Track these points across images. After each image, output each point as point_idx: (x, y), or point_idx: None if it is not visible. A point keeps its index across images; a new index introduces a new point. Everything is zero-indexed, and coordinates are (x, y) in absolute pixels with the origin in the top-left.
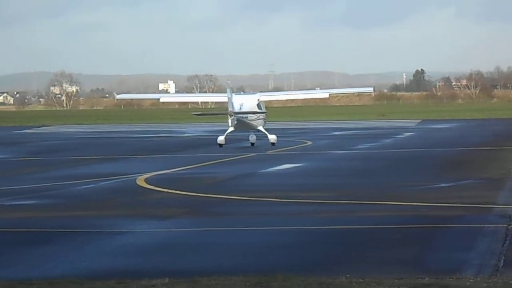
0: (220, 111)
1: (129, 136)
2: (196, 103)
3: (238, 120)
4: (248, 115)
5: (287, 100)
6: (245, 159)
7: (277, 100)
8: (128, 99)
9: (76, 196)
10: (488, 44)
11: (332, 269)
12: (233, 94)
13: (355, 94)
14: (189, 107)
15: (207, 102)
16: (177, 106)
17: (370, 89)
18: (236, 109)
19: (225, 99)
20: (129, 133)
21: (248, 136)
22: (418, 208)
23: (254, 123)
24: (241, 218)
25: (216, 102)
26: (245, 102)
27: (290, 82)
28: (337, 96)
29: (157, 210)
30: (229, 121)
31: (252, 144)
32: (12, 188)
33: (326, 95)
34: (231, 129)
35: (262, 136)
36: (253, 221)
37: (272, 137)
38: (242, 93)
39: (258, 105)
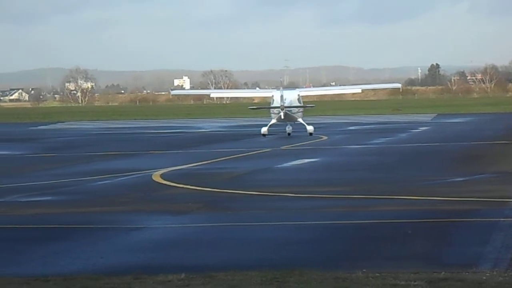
0: (269, 106)
1: (145, 131)
2: (212, 98)
3: (285, 113)
4: (292, 108)
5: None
6: (260, 154)
7: (315, 95)
8: (182, 94)
9: (92, 192)
10: (502, 38)
11: (348, 263)
12: (280, 90)
13: (382, 89)
14: (204, 102)
15: (223, 98)
16: (192, 102)
17: (398, 85)
18: (281, 104)
19: (269, 95)
20: (144, 128)
21: (285, 127)
22: (434, 203)
23: (296, 115)
24: (257, 213)
25: (231, 98)
26: (288, 97)
27: (305, 77)
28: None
29: (173, 205)
30: (272, 114)
31: (289, 134)
32: (28, 184)
33: (359, 90)
34: (273, 121)
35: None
36: (268, 216)
37: (310, 128)
38: (281, 89)
39: (298, 100)
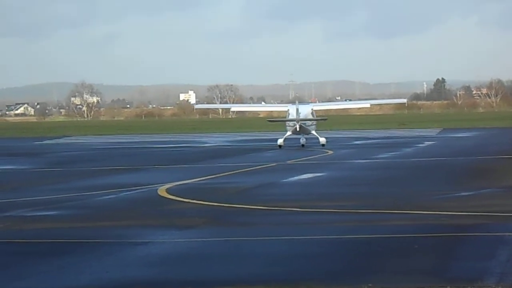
0: (286, 118)
1: (150, 146)
2: (217, 112)
3: (300, 125)
4: (307, 121)
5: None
6: (266, 168)
7: (326, 109)
8: (205, 108)
9: (98, 206)
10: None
11: (354, 278)
12: (296, 105)
13: (389, 104)
14: (210, 117)
15: (228, 112)
16: (197, 116)
17: (404, 100)
18: (296, 117)
19: (285, 109)
20: (150, 143)
21: (299, 140)
22: (439, 217)
23: (309, 128)
24: (263, 228)
25: (236, 113)
26: (303, 111)
27: (310, 91)
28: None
29: (178, 220)
30: (287, 127)
31: (303, 145)
32: (34, 199)
33: (368, 105)
34: (288, 133)
35: (310, 139)
36: (274, 230)
37: (322, 140)
38: (297, 103)
39: (312, 114)
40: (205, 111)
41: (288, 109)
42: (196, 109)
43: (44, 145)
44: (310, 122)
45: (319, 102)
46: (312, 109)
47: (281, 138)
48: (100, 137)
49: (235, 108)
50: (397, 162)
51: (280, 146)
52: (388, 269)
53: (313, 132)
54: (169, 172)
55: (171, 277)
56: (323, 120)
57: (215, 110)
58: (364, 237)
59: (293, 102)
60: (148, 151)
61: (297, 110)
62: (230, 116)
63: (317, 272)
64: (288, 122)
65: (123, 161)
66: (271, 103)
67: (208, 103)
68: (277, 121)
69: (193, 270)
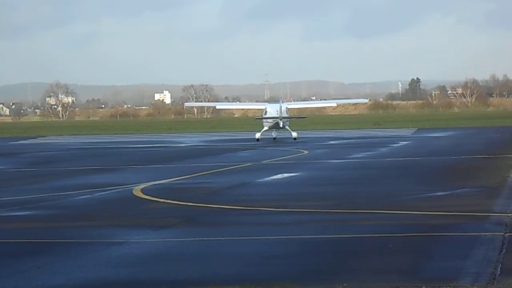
0: (269, 116)
1: (126, 146)
2: (192, 112)
3: (277, 122)
4: (284, 118)
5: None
6: (241, 168)
7: (298, 108)
8: (194, 106)
9: (73, 206)
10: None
11: (329, 278)
12: (278, 103)
13: (351, 104)
14: (185, 117)
15: (204, 112)
16: (172, 116)
17: (365, 100)
18: (276, 115)
19: (271, 108)
20: (125, 143)
21: (271, 133)
22: (415, 217)
23: (285, 124)
24: (237, 228)
25: (211, 112)
26: (280, 110)
27: (285, 91)
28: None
29: (153, 220)
30: (265, 123)
31: (274, 138)
32: (8, 199)
33: (335, 104)
34: (265, 128)
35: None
36: (249, 230)
37: (294, 134)
38: (280, 101)
39: (286, 111)
40: (180, 111)
41: (266, 108)
42: (186, 107)
43: (19, 145)
44: (286, 119)
45: (293, 101)
46: (286, 107)
47: (259, 132)
48: (75, 137)
49: (220, 106)
50: (372, 162)
51: (258, 139)
52: (363, 268)
53: (287, 127)
54: (144, 172)
55: (146, 277)
56: (302, 118)
57: (190, 110)
58: (338, 237)
59: (276, 101)
60: (123, 151)
61: (280, 108)
62: (205, 116)
63: (292, 271)
64: (267, 118)
65: (98, 161)
66: (249, 102)
67: (182, 102)
68: (262, 119)
69: (168, 270)
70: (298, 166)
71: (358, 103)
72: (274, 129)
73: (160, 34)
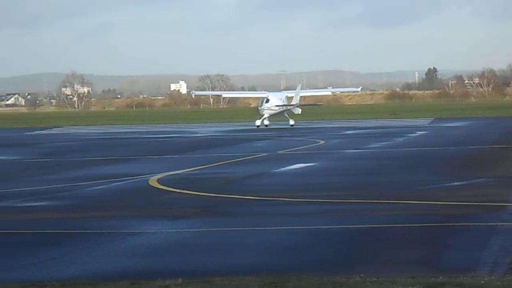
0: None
1: (141, 136)
2: (208, 102)
3: (282, 110)
4: (285, 106)
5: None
6: (257, 159)
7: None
8: (203, 95)
9: (89, 197)
10: (500, 42)
11: (345, 268)
12: (280, 92)
13: (343, 93)
14: (201, 107)
15: (220, 103)
16: (188, 107)
17: (358, 89)
18: (280, 103)
19: (273, 96)
20: (141, 133)
21: (265, 121)
22: (432, 207)
23: (284, 111)
24: (254, 218)
25: (227, 102)
26: (282, 97)
27: (302, 81)
28: (348, 95)
29: (169, 210)
30: (265, 110)
31: (266, 125)
32: (24, 189)
33: (329, 93)
34: (266, 115)
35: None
36: (265, 221)
37: (292, 121)
38: (275, 91)
39: (286, 99)
40: (196, 101)
41: (268, 96)
42: (195, 95)
43: (34, 136)
44: (285, 107)
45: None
46: (286, 96)
47: (259, 120)
48: (91, 127)
49: (226, 94)
50: (389, 152)
51: (257, 126)
52: (380, 259)
53: (286, 114)
54: (160, 162)
55: (163, 268)
56: (318, 105)
57: (206, 100)
58: (355, 227)
59: (278, 91)
60: (139, 141)
61: (286, 97)
62: (221, 106)
63: (309, 262)
64: (268, 105)
65: (114, 151)
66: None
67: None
68: (267, 107)
69: (185, 260)
70: (314, 156)
71: (351, 92)
72: (268, 117)
73: (176, 24)
